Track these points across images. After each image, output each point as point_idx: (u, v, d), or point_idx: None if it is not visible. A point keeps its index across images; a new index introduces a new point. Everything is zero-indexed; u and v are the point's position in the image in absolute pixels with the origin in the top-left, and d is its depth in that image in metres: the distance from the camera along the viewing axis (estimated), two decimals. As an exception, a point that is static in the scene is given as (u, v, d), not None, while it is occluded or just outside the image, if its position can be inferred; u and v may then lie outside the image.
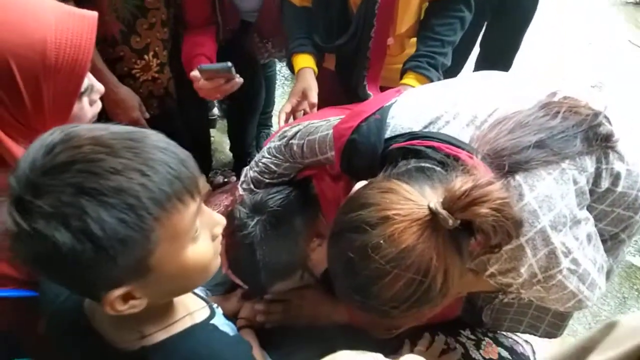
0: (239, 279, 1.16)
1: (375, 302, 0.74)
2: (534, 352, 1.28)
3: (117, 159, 0.56)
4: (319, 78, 1.49)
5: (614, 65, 3.42)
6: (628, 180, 0.95)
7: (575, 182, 0.89)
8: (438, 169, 0.81)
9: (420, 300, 0.72)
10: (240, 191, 1.24)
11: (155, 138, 0.61)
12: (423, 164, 0.84)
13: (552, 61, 3.32)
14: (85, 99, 0.83)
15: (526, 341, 1.28)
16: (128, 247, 0.56)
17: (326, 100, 1.45)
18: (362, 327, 1.17)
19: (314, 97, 1.42)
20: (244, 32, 1.71)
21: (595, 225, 0.95)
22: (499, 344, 1.18)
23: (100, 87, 0.87)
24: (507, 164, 0.81)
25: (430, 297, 0.72)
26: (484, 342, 1.16)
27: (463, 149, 0.86)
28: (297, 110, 1.42)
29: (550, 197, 0.84)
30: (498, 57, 2.25)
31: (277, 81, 2.46)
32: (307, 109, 1.43)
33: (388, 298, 0.73)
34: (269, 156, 1.19)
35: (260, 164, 1.20)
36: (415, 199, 0.73)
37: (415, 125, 0.92)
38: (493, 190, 0.71)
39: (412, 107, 0.97)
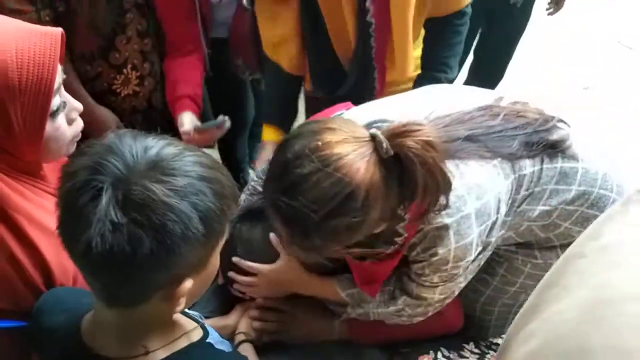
0: (224, 274, 1.18)
1: (299, 203, 0.78)
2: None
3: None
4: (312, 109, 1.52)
5: (605, 66, 3.41)
6: (585, 177, 0.97)
7: (506, 177, 0.91)
8: None
9: (340, 209, 0.78)
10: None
11: None
12: None
13: (543, 62, 3.33)
14: (60, 119, 0.81)
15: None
16: (215, 233, 0.64)
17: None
18: (360, 341, 1.16)
19: None
20: (219, 53, 1.67)
21: (560, 226, 0.99)
22: (504, 357, 1.14)
23: (78, 105, 0.86)
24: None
25: (350, 208, 0.78)
26: (487, 356, 1.14)
27: None
28: None
29: (480, 186, 0.88)
30: (491, 65, 2.33)
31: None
32: None
33: (312, 198, 0.78)
34: (256, 178, 1.22)
35: (249, 186, 1.24)
36: (358, 127, 0.83)
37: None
38: (423, 128, 0.78)
39: (357, 114, 1.01)
